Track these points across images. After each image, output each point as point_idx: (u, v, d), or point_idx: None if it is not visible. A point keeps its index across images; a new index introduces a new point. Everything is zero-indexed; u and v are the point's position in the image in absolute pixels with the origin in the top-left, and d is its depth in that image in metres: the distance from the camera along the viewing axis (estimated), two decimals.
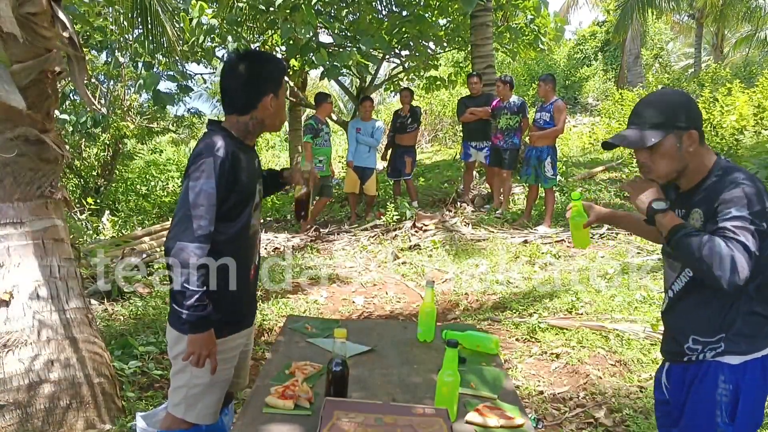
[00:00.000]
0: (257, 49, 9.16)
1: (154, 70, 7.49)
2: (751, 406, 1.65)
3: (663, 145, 1.63)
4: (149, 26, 6.54)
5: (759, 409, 1.68)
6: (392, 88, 12.11)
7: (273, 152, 17.98)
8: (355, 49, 8.20)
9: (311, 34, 7.22)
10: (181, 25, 7.76)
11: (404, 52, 9.92)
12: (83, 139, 10.18)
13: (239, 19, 7.99)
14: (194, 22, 7.40)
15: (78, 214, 8.56)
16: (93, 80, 10.06)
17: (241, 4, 7.91)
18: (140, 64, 7.47)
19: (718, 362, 1.66)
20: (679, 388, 1.76)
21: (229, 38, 7.31)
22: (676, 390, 1.77)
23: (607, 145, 1.74)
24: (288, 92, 9.16)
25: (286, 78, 2.13)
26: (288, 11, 7.01)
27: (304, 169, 2.29)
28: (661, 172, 1.67)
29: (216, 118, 2.11)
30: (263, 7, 7.71)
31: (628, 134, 1.67)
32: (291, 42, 7.59)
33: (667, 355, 1.84)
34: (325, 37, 9.55)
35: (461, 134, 8.07)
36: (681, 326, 1.73)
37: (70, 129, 8.65)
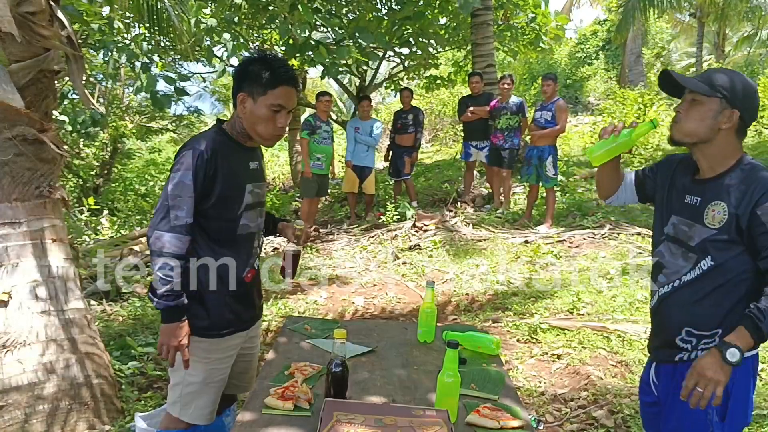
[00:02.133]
0: (257, 48, 9.15)
1: (152, 71, 7.45)
2: (741, 404, 1.67)
3: (703, 103, 1.65)
4: (153, 23, 6.51)
5: (748, 407, 1.70)
6: (392, 88, 12.08)
7: (272, 152, 17.90)
8: (354, 45, 8.17)
9: (308, 32, 7.18)
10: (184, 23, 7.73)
11: (404, 50, 9.90)
12: (82, 139, 10.15)
13: (237, 18, 7.97)
14: (193, 21, 7.38)
15: (77, 213, 8.55)
16: (91, 79, 10.04)
17: (238, 1, 7.88)
18: (137, 65, 7.43)
19: None
20: (668, 387, 1.76)
21: (227, 36, 7.25)
22: (665, 389, 1.77)
23: (665, 74, 1.76)
24: None
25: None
26: (287, 10, 6.99)
27: (297, 227, 2.24)
28: (687, 128, 1.68)
29: (224, 118, 2.12)
30: (262, 2, 7.68)
31: (688, 77, 1.73)
32: (290, 42, 7.57)
33: (655, 353, 1.83)
34: (323, 36, 9.53)
35: (462, 134, 8.06)
36: (677, 317, 1.71)
37: (69, 128, 8.62)
